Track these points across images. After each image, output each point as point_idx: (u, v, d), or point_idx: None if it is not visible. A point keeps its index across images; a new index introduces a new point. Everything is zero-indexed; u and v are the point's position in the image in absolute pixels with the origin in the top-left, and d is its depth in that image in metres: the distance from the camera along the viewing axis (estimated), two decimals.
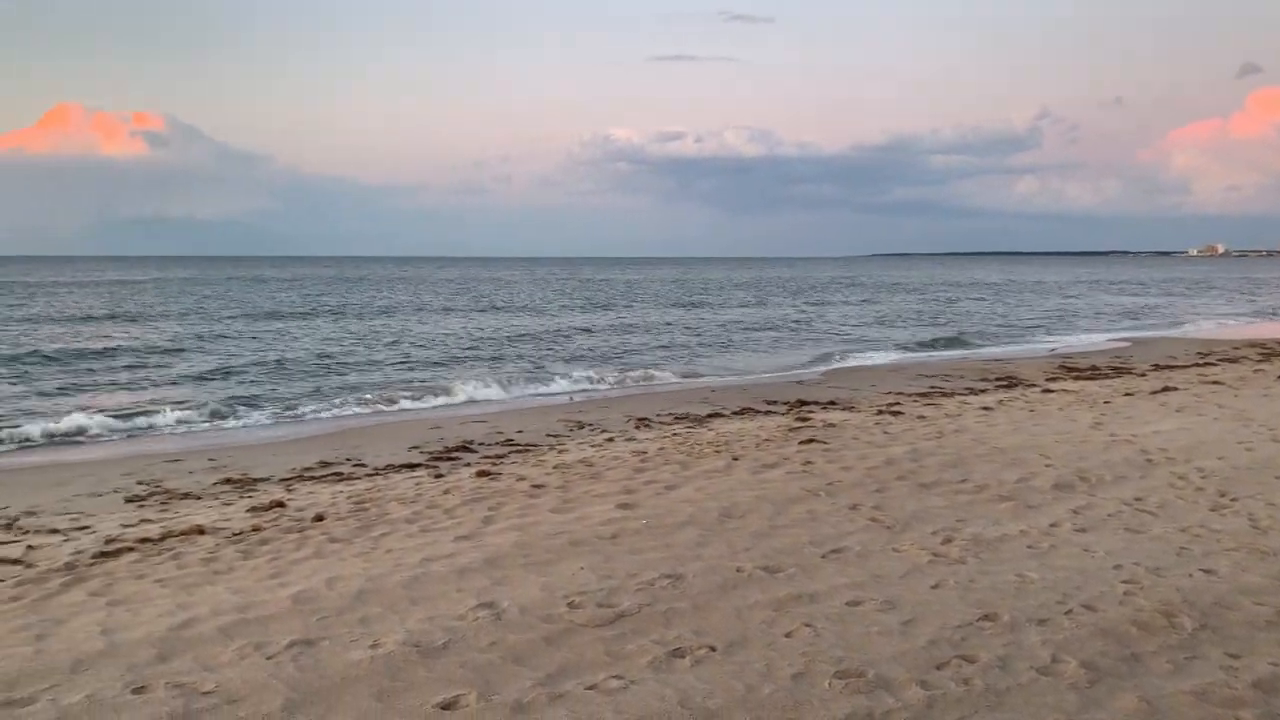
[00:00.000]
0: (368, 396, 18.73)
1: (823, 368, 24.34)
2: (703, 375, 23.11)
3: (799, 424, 13.07)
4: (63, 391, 20.27)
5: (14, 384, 21.31)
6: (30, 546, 7.81)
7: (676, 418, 14.98)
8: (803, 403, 16.27)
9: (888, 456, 10.21)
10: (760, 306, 53.07)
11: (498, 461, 11.28)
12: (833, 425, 12.81)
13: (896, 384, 19.19)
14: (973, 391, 17.29)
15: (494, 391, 19.60)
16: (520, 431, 13.89)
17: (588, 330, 36.89)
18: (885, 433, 11.99)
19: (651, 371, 23.17)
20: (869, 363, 25.46)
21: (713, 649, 5.10)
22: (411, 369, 24.42)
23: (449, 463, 11.55)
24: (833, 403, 16.23)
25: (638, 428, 14.00)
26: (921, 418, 13.27)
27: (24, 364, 24.79)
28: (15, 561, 7.29)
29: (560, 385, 20.60)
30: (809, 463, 10.02)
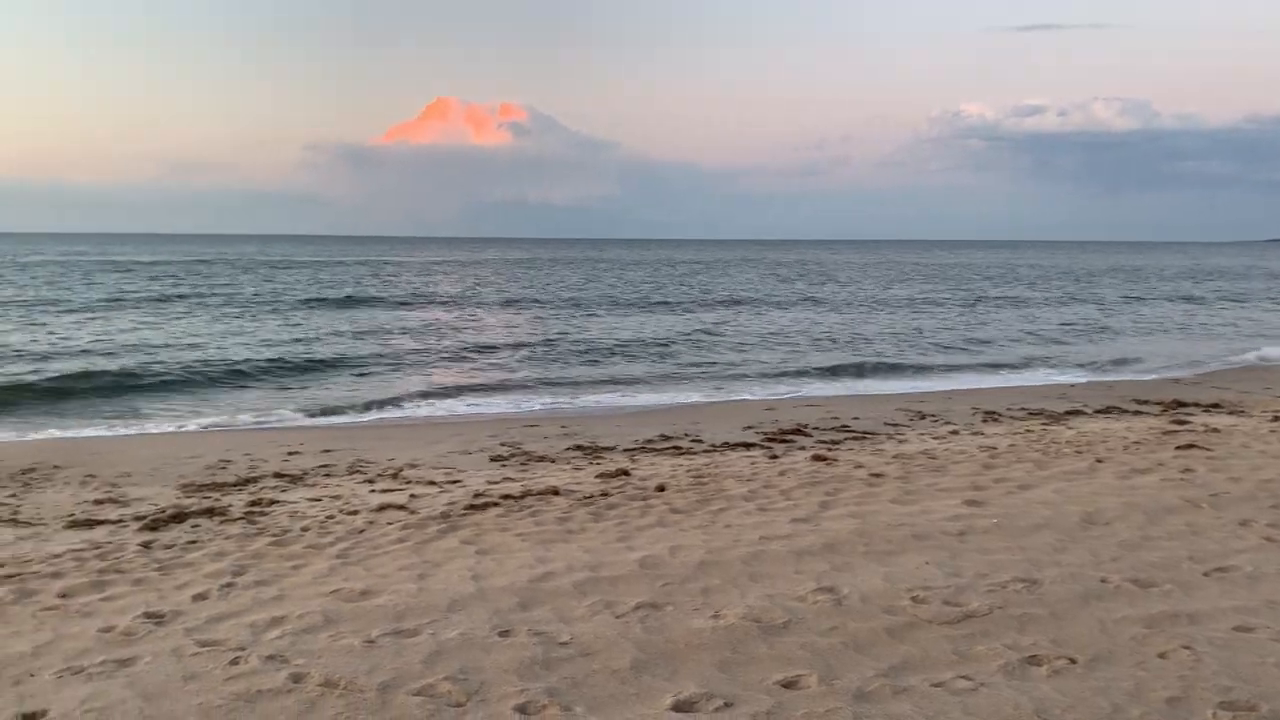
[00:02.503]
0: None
1: (1206, 369, 21.80)
2: (1054, 366, 21.53)
3: (1175, 427, 11.80)
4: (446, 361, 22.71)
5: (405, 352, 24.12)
6: (413, 495, 8.71)
7: (1030, 413, 14.05)
8: (1179, 403, 14.68)
9: None
10: (1141, 299, 48.36)
11: (833, 447, 11.13)
12: (1216, 430, 11.44)
13: None
14: None
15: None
16: (856, 418, 13.63)
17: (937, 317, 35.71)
18: None
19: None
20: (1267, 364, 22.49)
21: (1072, 661, 4.68)
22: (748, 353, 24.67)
23: (783, 445, 11.56)
24: (1216, 405, 14.51)
25: (985, 421, 13.28)
26: None
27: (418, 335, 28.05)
28: (401, 508, 8.15)
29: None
30: (1188, 470, 9.00)
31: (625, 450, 11.24)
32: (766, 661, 4.68)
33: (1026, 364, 22.22)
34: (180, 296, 41.76)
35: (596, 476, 9.28)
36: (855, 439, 11.91)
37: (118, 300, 39.22)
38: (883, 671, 4.56)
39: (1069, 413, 14.07)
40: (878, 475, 9.08)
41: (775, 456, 10.49)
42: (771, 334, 29.28)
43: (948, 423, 13.24)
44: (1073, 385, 18.11)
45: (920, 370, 21.32)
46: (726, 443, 11.72)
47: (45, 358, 21.58)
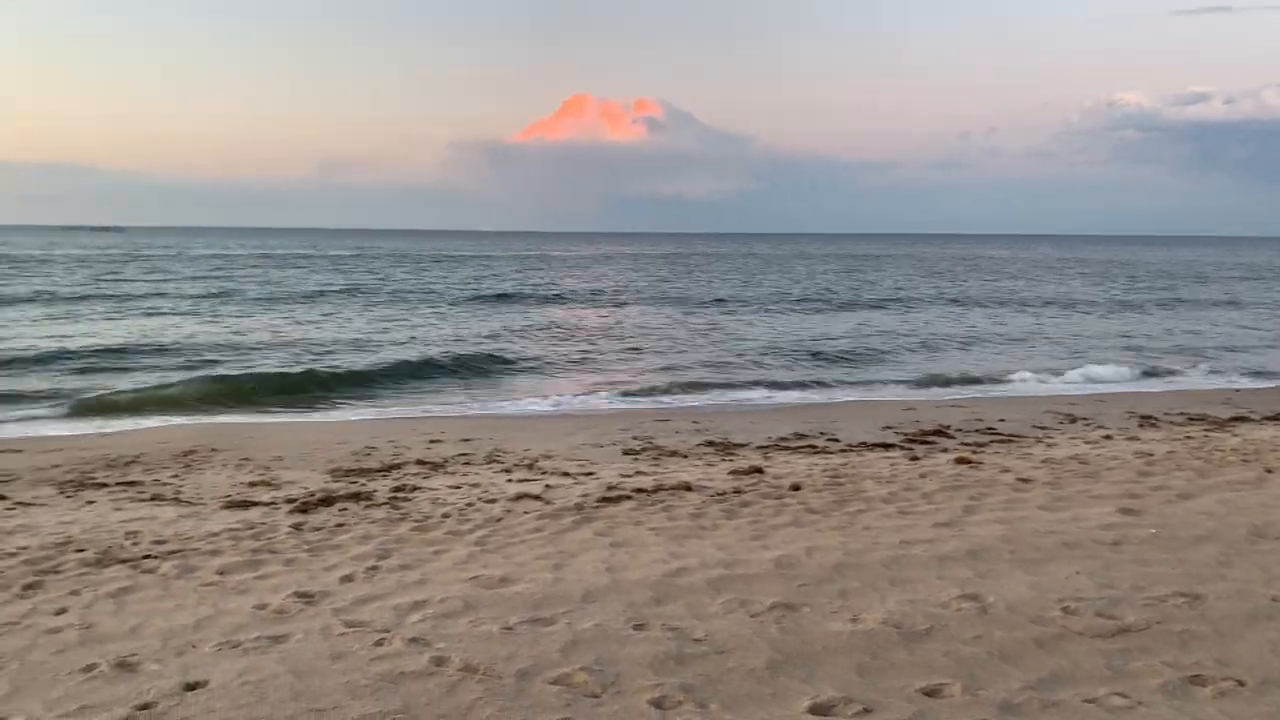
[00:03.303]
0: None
1: None
2: (1224, 372, 20.30)
3: None
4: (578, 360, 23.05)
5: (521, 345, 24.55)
6: (548, 486, 8.83)
7: (1190, 418, 13.29)
8: None
9: None
10: None
11: (978, 449, 10.76)
12: None
13: None
14: None
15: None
16: (1002, 420, 13.15)
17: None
18: None
19: (1163, 364, 20.80)
20: None
21: (1240, 684, 4.38)
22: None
23: (924, 446, 11.24)
24: None
25: (1141, 426, 12.62)
26: None
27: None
28: (537, 498, 8.27)
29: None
30: None
31: (758, 448, 11.13)
32: (907, 668, 4.53)
33: (1185, 367, 21.01)
34: (349, 291, 43.26)
35: (729, 473, 9.21)
36: (1001, 442, 11.49)
37: (292, 295, 40.76)
38: (1031, 684, 4.37)
39: (1234, 419, 13.24)
40: (1025, 480, 8.72)
41: (916, 458, 10.21)
42: (911, 333, 28.50)
43: (1100, 427, 12.64)
44: (1237, 390, 17.05)
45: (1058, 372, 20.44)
46: (864, 443, 11.47)
47: (237, 349, 23.00)
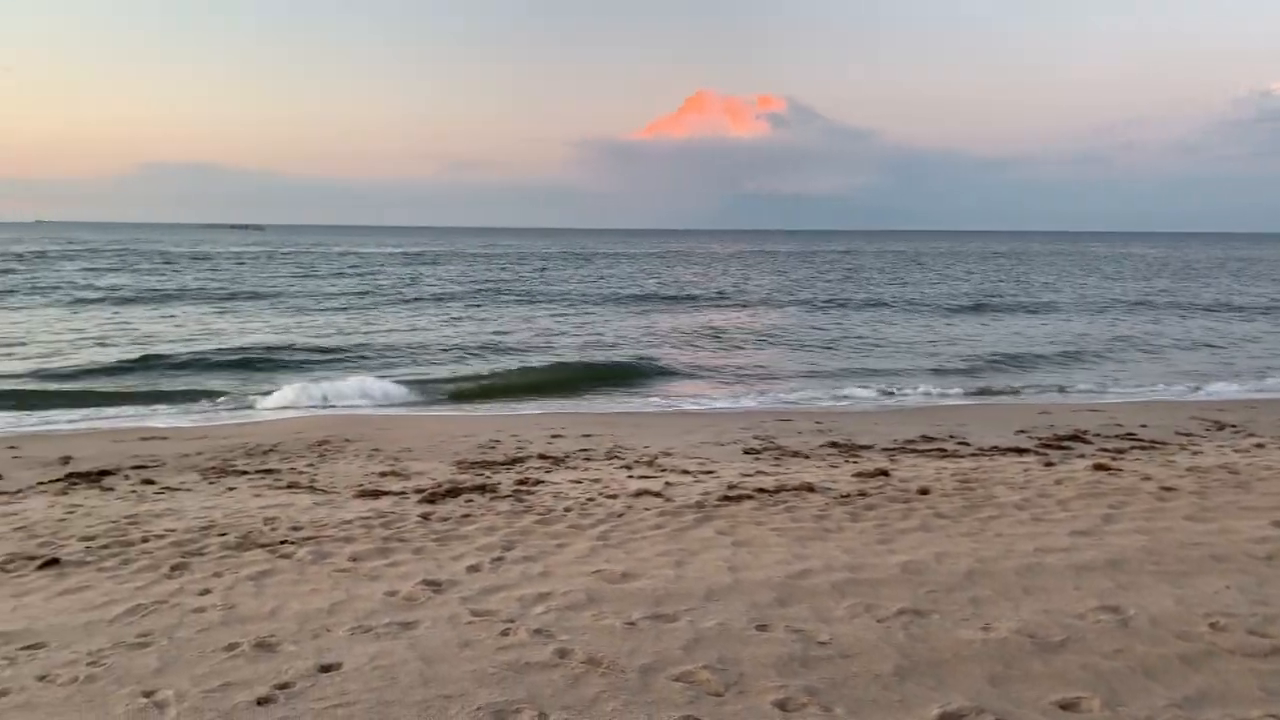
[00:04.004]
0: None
1: None
2: None
3: None
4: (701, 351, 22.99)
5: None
6: (668, 483, 8.82)
7: None
8: None
9: None
10: None
11: (1117, 456, 10.29)
12: None
13: None
14: None
15: None
16: (1144, 426, 12.56)
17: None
18: None
19: None
20: None
21: None
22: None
23: (1060, 451, 10.81)
24: None
25: None
26: None
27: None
28: (657, 494, 8.27)
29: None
30: None
31: (884, 449, 10.90)
32: (1042, 679, 4.36)
33: None
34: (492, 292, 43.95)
35: (854, 475, 9.03)
36: (1142, 448, 10.96)
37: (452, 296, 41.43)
38: (1176, 701, 4.14)
39: None
40: (1169, 489, 8.29)
41: (1051, 464, 9.82)
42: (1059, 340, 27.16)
43: (1251, 434, 11.94)
44: None
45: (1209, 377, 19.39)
46: (996, 446, 11.10)
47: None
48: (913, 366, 20.96)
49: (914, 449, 10.96)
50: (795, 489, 8.33)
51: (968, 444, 11.34)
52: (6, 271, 50.56)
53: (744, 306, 37.90)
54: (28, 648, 4.77)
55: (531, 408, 15.96)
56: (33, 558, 6.46)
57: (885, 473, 9.06)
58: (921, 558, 6.20)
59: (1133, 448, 10.97)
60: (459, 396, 17.13)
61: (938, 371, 20.11)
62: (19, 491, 8.93)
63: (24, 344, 23.40)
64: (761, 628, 4.94)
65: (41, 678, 4.39)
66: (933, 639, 4.82)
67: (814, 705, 4.07)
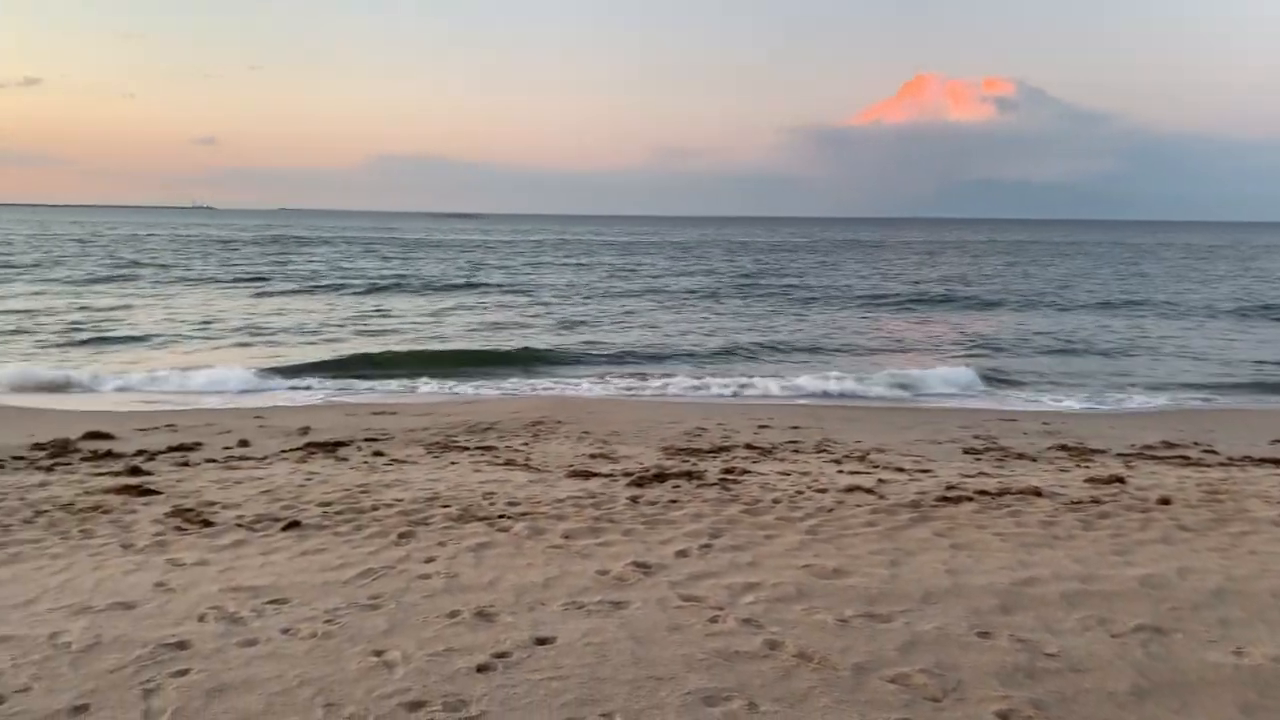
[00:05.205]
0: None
1: None
2: None
3: None
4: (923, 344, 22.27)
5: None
6: (881, 480, 8.55)
7: None
8: None
9: None
10: None
11: None
12: None
13: None
14: None
15: None
16: None
17: None
18: None
19: None
20: None
21: None
22: None
23: None
24: None
25: None
26: None
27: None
28: (869, 491, 8.02)
29: None
30: None
31: (1119, 455, 10.17)
32: None
33: None
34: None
35: (1085, 481, 8.46)
36: None
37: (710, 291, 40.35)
38: None
39: None
40: None
41: None
42: None
43: None
44: None
45: None
46: (1248, 456, 10.15)
47: None
48: (1158, 369, 19.50)
49: (1153, 455, 10.17)
50: (1020, 492, 7.88)
51: (1215, 452, 10.42)
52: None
53: (965, 301, 36.25)
54: (273, 602, 5.13)
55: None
56: (277, 519, 6.97)
57: (1121, 479, 8.43)
58: (1162, 572, 5.71)
59: None
60: None
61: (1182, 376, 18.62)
62: (265, 458, 9.68)
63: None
64: (983, 634, 4.69)
65: (285, 630, 4.71)
66: (1176, 660, 4.43)
67: (1040, 719, 3.82)
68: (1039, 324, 28.52)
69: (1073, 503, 7.53)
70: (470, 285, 40.58)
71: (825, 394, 16.13)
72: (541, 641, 4.52)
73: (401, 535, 6.53)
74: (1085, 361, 21.21)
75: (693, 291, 38.93)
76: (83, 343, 22.33)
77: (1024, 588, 5.41)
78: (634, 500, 7.60)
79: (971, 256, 71.96)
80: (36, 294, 33.26)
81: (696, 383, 17.12)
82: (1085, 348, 23.23)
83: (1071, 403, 15.39)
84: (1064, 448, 10.53)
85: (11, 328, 24.31)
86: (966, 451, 10.38)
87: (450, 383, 17.27)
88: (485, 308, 32.13)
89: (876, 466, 9.37)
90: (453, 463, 9.40)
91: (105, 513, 7.16)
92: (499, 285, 40.72)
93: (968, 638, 4.65)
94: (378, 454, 9.89)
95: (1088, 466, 9.39)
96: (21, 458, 9.51)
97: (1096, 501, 7.56)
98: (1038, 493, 7.83)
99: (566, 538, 6.46)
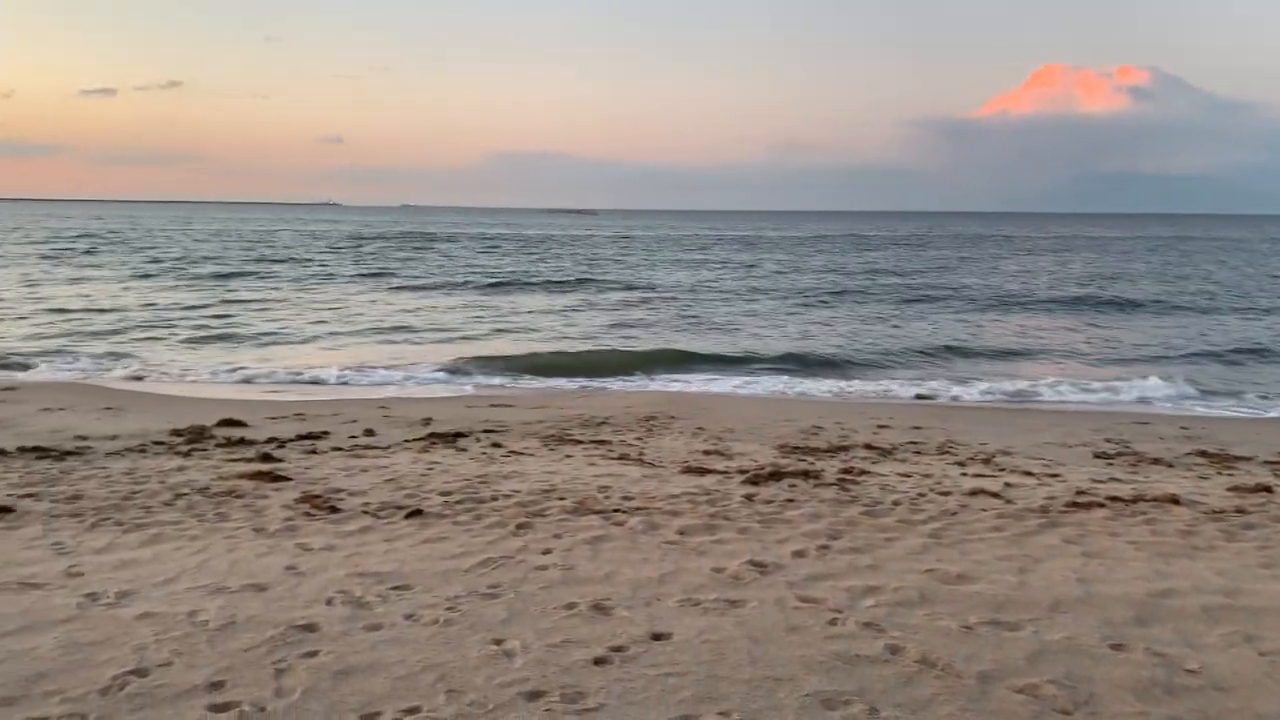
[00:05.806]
0: None
1: None
2: None
3: None
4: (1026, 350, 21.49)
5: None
6: (1007, 484, 8.27)
7: None
8: None
9: None
10: None
11: None
12: None
13: None
14: None
15: None
16: None
17: None
18: None
19: None
20: None
21: None
22: None
23: None
24: None
25: None
26: None
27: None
28: (995, 495, 7.77)
29: None
30: None
31: (1266, 462, 9.60)
32: None
33: None
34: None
35: (1228, 489, 8.02)
36: None
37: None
38: None
39: None
40: None
41: None
42: None
43: None
44: None
45: None
46: None
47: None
48: None
49: None
50: (1156, 499, 7.51)
51: None
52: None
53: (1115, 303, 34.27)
54: (397, 588, 5.26)
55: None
56: (400, 507, 7.15)
57: (1268, 489, 7.96)
58: None
59: None
60: None
61: None
62: (389, 448, 9.94)
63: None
64: (1116, 646, 4.49)
65: (408, 616, 4.82)
66: None
67: None
68: (1233, 327, 26.73)
69: (1214, 512, 7.15)
70: (595, 281, 40.63)
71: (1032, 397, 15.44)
72: (658, 637, 4.51)
73: (519, 526, 6.61)
74: None
75: (841, 292, 37.44)
76: (248, 339, 22.46)
77: (1161, 599, 5.16)
78: (749, 498, 7.53)
79: (1120, 253, 68.64)
80: (172, 288, 34.78)
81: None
82: None
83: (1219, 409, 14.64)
84: (1204, 454, 10.00)
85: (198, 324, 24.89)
86: (1097, 455, 9.96)
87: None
88: (615, 305, 31.94)
89: (1003, 470, 9.07)
90: (568, 456, 9.49)
91: (239, 497, 7.46)
92: (615, 282, 40.75)
93: (1100, 649, 4.45)
94: (495, 445, 10.06)
95: (1231, 474, 8.89)
96: (161, 443, 9.99)
97: (1241, 511, 7.16)
98: (1175, 500, 7.46)
99: (681, 534, 6.44)
